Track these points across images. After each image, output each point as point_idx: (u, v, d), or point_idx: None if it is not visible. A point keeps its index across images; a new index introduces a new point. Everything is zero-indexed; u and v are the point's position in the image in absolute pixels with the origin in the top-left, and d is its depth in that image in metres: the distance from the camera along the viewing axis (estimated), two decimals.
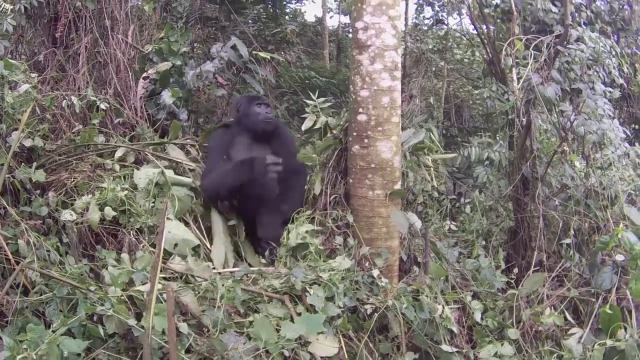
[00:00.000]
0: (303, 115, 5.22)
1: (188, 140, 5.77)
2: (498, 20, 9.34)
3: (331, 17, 15.87)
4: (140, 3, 7.44)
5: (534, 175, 5.52)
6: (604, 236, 4.68)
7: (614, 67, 5.73)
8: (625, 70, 6.55)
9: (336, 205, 4.61)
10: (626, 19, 9.34)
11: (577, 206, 5.33)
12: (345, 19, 15.39)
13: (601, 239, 4.60)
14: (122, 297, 3.36)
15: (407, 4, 12.73)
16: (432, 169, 5.12)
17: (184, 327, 3.23)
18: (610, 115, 5.45)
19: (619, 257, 4.39)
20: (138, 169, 5.04)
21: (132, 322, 3.16)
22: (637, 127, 10.21)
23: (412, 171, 4.97)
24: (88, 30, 6.51)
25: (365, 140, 4.42)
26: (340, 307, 3.68)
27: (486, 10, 8.65)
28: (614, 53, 5.86)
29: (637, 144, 7.68)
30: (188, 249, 4.41)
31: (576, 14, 7.92)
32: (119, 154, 5.26)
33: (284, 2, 11.91)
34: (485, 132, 8.69)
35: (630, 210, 5.09)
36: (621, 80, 6.04)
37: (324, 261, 4.18)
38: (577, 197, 5.39)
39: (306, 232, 4.38)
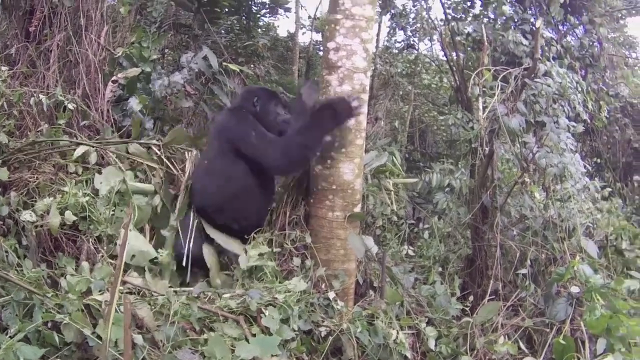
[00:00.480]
0: None
1: (153, 141, 5.61)
2: (468, 49, 9.52)
3: (303, 33, 15.70)
4: (116, 4, 7.41)
5: (493, 204, 5.59)
6: (560, 268, 4.79)
7: (579, 103, 5.85)
8: (590, 106, 6.68)
9: (295, 226, 4.58)
10: (595, 56, 9.59)
11: (534, 237, 5.42)
12: (318, 37, 15.31)
13: (557, 271, 4.70)
14: (80, 306, 3.33)
15: (379, 27, 12.88)
16: (392, 192, 5.14)
17: (139, 339, 3.22)
18: (572, 149, 5.55)
19: (574, 289, 4.47)
20: (100, 173, 4.96)
21: (87, 331, 3.15)
22: (599, 160, 10.48)
23: (373, 194, 4.99)
24: (62, 27, 6.49)
25: (329, 161, 4.42)
26: (294, 330, 3.69)
27: (457, 38, 8.79)
28: (580, 89, 5.97)
29: (597, 178, 7.85)
30: (146, 260, 4.39)
31: (546, 48, 8.11)
32: (79, 151, 5.12)
33: (258, 15, 11.87)
34: (447, 158, 8.76)
35: (587, 243, 5.21)
36: (585, 116, 6.16)
37: (280, 282, 4.16)
38: (535, 228, 5.48)
39: (260, 254, 4.36)
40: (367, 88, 4.58)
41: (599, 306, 4.20)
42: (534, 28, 8.39)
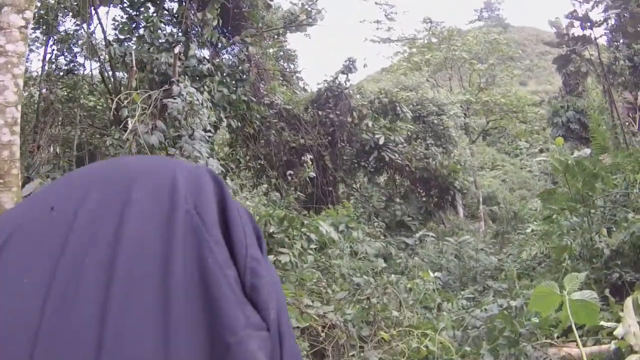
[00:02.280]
0: None
1: None
2: (132, 70, 10.20)
3: None
4: None
5: None
6: None
7: (207, 117, 6.80)
8: (214, 119, 7.70)
9: None
10: (245, 71, 10.79)
11: None
12: None
13: None
14: None
15: (45, 50, 12.72)
16: None
17: None
18: (206, 156, 6.49)
19: None
20: None
21: None
22: (262, 162, 11.78)
23: None
24: None
25: None
26: None
27: (116, 61, 9.45)
28: (205, 105, 6.93)
29: (263, 176, 8.93)
30: None
31: (200, 66, 9.09)
32: None
33: None
34: None
35: None
36: (209, 127, 7.15)
37: None
38: None
39: None
40: (19, 120, 4.97)
41: None
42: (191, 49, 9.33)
